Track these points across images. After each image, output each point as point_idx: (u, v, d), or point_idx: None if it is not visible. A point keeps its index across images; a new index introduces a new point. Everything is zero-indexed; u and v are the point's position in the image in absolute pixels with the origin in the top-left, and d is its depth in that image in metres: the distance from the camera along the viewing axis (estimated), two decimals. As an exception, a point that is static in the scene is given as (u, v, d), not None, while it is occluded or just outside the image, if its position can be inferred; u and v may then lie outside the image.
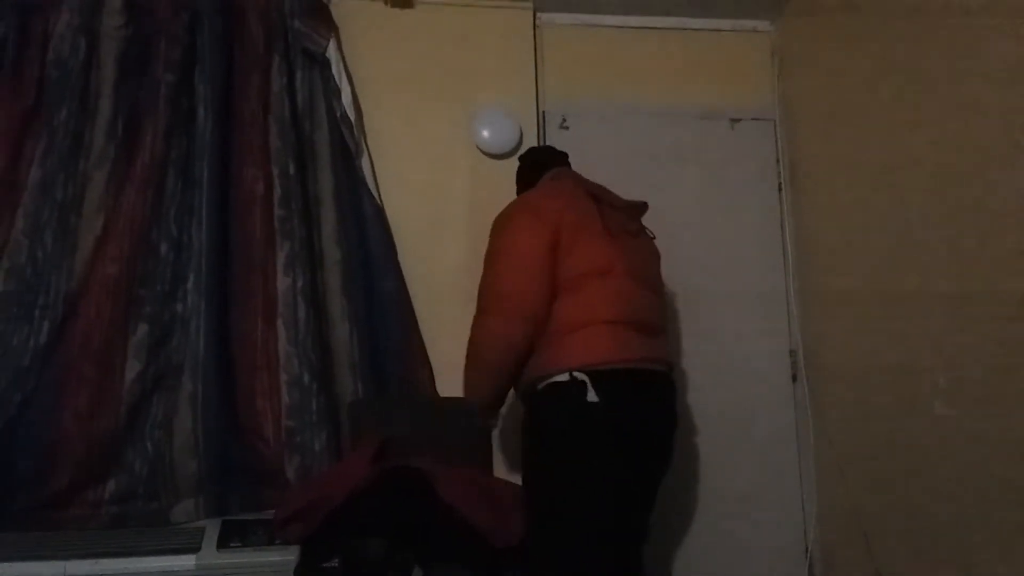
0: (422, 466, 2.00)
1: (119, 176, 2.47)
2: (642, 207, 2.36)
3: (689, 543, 2.79)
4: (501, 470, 2.61)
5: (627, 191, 2.37)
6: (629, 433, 2.00)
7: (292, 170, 2.55)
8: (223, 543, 2.11)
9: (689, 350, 2.90)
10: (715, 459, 2.85)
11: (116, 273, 2.40)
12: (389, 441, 2.22)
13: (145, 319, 2.40)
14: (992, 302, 1.96)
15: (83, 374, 2.33)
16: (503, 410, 2.33)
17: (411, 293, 2.68)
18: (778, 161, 3.08)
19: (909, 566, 2.28)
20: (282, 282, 2.48)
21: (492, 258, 2.14)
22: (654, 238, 2.39)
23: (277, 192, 2.53)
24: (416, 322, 2.65)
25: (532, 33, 3.00)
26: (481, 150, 2.83)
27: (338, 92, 2.67)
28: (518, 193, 2.44)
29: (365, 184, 2.69)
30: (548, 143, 2.86)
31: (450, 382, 2.46)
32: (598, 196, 2.22)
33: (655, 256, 2.37)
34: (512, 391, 2.22)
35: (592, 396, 1.94)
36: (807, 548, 2.83)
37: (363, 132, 2.74)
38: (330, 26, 2.71)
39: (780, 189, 3.06)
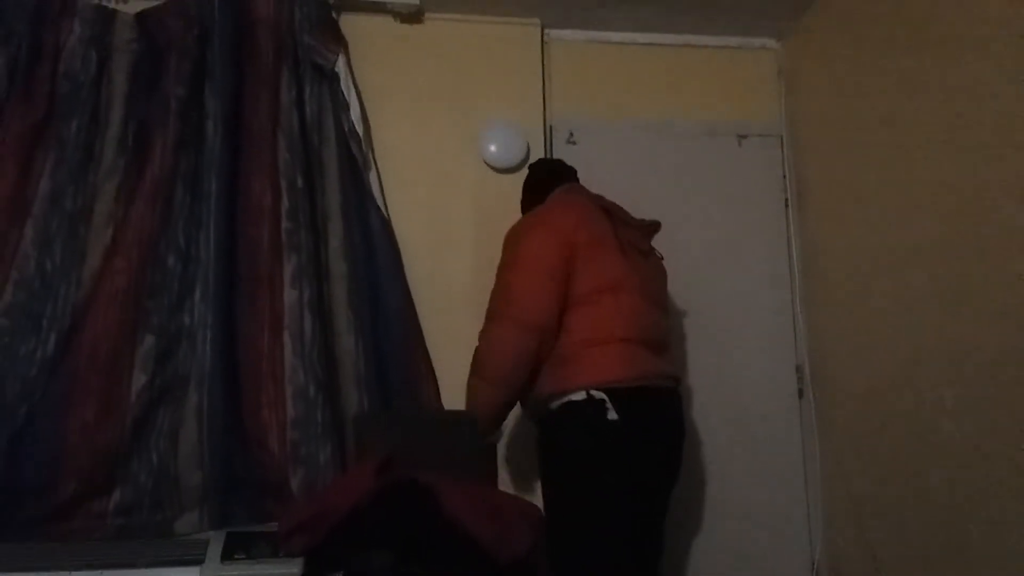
0: (426, 479, 2.00)
1: (128, 188, 2.48)
2: (655, 227, 2.36)
3: (695, 558, 2.78)
4: (507, 485, 2.61)
5: (634, 206, 2.37)
6: (646, 449, 2.01)
7: (300, 183, 2.56)
8: (227, 555, 2.10)
9: (696, 365, 2.90)
10: (721, 474, 2.85)
11: (124, 285, 2.40)
12: (393, 454, 2.21)
13: (152, 330, 2.40)
14: (1000, 320, 1.96)
15: (89, 385, 2.33)
16: (505, 424, 2.33)
17: (417, 307, 2.68)
18: (784, 177, 3.09)
19: (916, 585, 2.27)
20: (289, 294, 2.48)
21: (504, 268, 2.14)
22: (662, 258, 2.40)
23: (285, 205, 2.54)
24: (422, 335, 2.65)
25: (540, 49, 3.01)
26: (488, 164, 2.84)
27: (347, 106, 2.69)
28: (523, 202, 2.44)
29: (372, 198, 2.70)
30: (556, 158, 2.86)
31: (455, 396, 2.46)
32: (612, 212, 2.23)
33: (663, 275, 2.38)
34: (521, 408, 2.21)
35: (612, 415, 1.93)
36: (813, 564, 2.81)
37: (371, 146, 2.76)
38: (339, 41, 2.73)
39: (786, 205, 3.07)
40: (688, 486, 2.75)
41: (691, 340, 2.92)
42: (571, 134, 3.01)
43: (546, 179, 2.41)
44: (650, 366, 2.05)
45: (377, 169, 2.75)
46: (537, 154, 2.88)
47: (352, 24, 2.84)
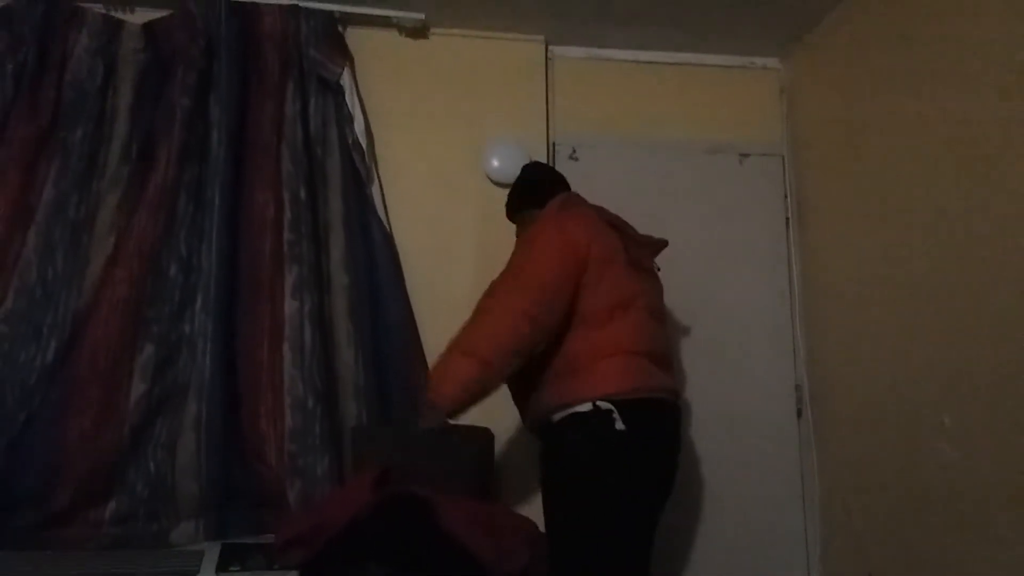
0: (424, 493, 1.99)
1: (132, 197, 2.49)
2: (662, 245, 2.37)
3: (692, 574, 2.77)
4: (504, 499, 2.60)
5: (635, 224, 2.37)
6: (648, 461, 2.01)
7: (303, 195, 2.56)
8: (223, 567, 2.09)
9: (695, 383, 2.90)
10: (720, 492, 2.84)
11: (125, 293, 2.40)
12: (391, 467, 2.21)
13: (152, 339, 2.40)
14: (1001, 343, 1.96)
15: (88, 393, 2.33)
16: (502, 437, 2.32)
17: (418, 320, 2.68)
18: (786, 196, 3.10)
19: (914, 607, 2.26)
20: (290, 305, 2.48)
21: (520, 263, 2.11)
22: (659, 270, 2.39)
23: (287, 216, 2.55)
24: (422, 349, 2.65)
25: (544, 66, 3.03)
26: (491, 179, 2.84)
27: (351, 119, 2.70)
28: (514, 203, 2.42)
29: (375, 210, 2.70)
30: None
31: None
32: (619, 228, 2.23)
33: (662, 291, 2.38)
34: (522, 421, 2.20)
35: (620, 425, 1.93)
36: (811, 586, 2.81)
37: (374, 159, 2.77)
38: (345, 54, 2.75)
39: (787, 224, 3.08)
40: (686, 503, 2.74)
41: (691, 357, 2.92)
42: (574, 150, 3.02)
43: (546, 183, 2.38)
44: (655, 379, 2.06)
45: (380, 182, 2.76)
46: (540, 170, 2.88)
47: (357, 38, 2.85)
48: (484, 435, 2.44)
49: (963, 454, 2.07)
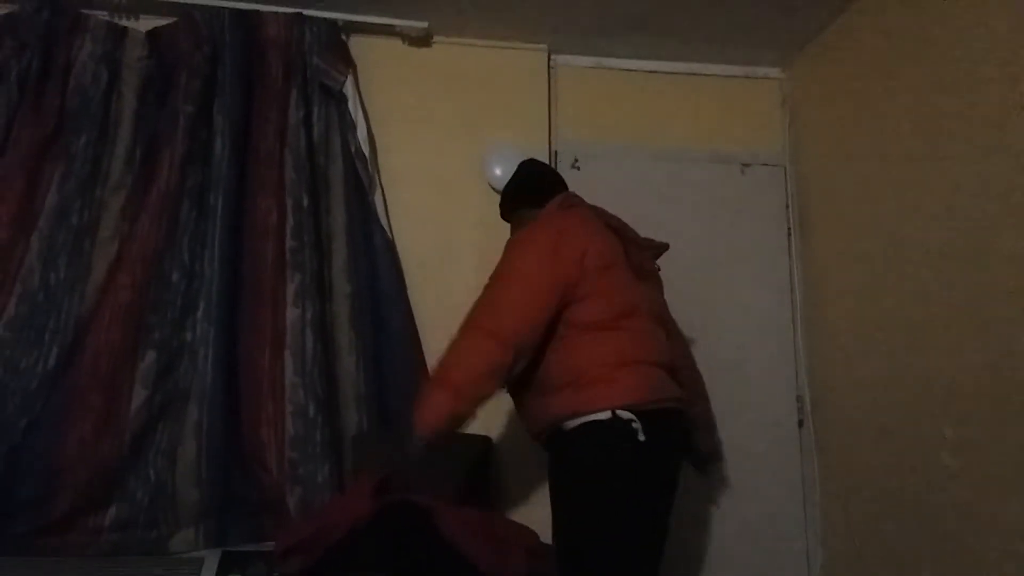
0: (423, 501, 1.99)
1: (135, 204, 2.50)
2: (663, 248, 2.36)
3: (692, 588, 2.76)
4: (504, 509, 2.59)
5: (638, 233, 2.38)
6: (664, 469, 2.00)
7: (306, 202, 2.57)
8: (222, 574, 2.10)
9: (695, 393, 2.89)
10: (721, 502, 2.84)
11: (127, 300, 2.41)
12: (391, 475, 2.21)
13: (153, 346, 2.40)
14: (1003, 354, 1.96)
15: (89, 400, 2.33)
16: (501, 447, 2.31)
17: (420, 328, 2.68)
18: (787, 206, 3.10)
19: (915, 619, 2.25)
20: (291, 313, 2.48)
21: (496, 280, 2.09)
22: (659, 269, 2.38)
23: (290, 223, 2.55)
24: (423, 357, 2.65)
25: (547, 74, 3.04)
26: (493, 187, 2.84)
27: (353, 127, 2.71)
28: (507, 202, 2.39)
29: (377, 218, 2.71)
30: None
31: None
32: (619, 231, 2.22)
33: (662, 291, 2.37)
34: (527, 431, 2.20)
35: (642, 435, 1.92)
36: (812, 597, 2.80)
37: (377, 167, 2.77)
38: (348, 62, 2.75)
39: (789, 234, 3.08)
40: (687, 514, 2.73)
41: (692, 367, 2.91)
42: (576, 159, 3.02)
43: (545, 182, 2.35)
44: (668, 388, 2.05)
45: (382, 190, 2.76)
46: (542, 179, 2.89)
47: (361, 46, 2.86)
48: (482, 443, 2.44)
49: (964, 465, 2.06)
